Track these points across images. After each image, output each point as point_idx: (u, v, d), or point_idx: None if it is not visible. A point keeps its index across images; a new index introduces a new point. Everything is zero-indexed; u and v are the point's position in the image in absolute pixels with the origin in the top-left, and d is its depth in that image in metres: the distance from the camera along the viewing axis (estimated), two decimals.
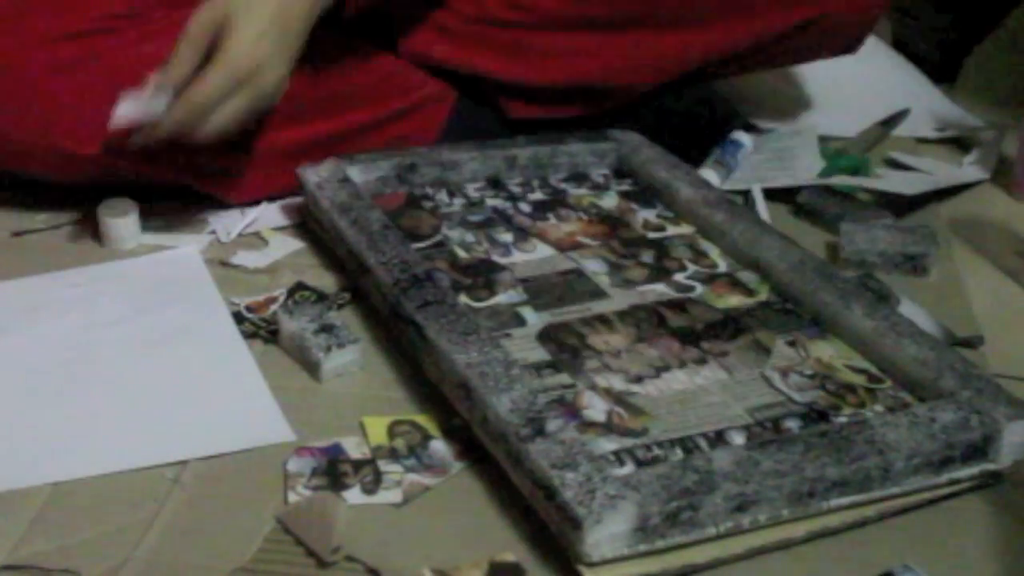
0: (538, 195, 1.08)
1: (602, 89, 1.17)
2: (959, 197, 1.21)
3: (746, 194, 1.17)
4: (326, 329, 0.87)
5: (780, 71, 1.33)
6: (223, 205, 1.08)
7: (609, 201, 1.08)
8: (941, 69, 1.54)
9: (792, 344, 0.87)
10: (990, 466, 0.76)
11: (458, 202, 1.06)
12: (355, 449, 0.78)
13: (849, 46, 1.22)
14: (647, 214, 1.06)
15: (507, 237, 1.01)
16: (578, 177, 1.12)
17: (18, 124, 1.00)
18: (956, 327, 0.95)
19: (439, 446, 0.78)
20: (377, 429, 0.80)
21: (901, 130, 1.35)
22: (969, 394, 0.78)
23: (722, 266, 0.98)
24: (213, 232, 1.05)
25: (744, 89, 1.37)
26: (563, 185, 1.11)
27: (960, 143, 1.36)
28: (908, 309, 0.95)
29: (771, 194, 1.17)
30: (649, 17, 1.11)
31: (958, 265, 1.08)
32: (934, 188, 1.19)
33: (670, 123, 1.25)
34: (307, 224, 1.06)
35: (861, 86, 1.41)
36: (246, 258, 1.01)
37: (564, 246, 1.00)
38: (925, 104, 1.42)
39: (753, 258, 0.97)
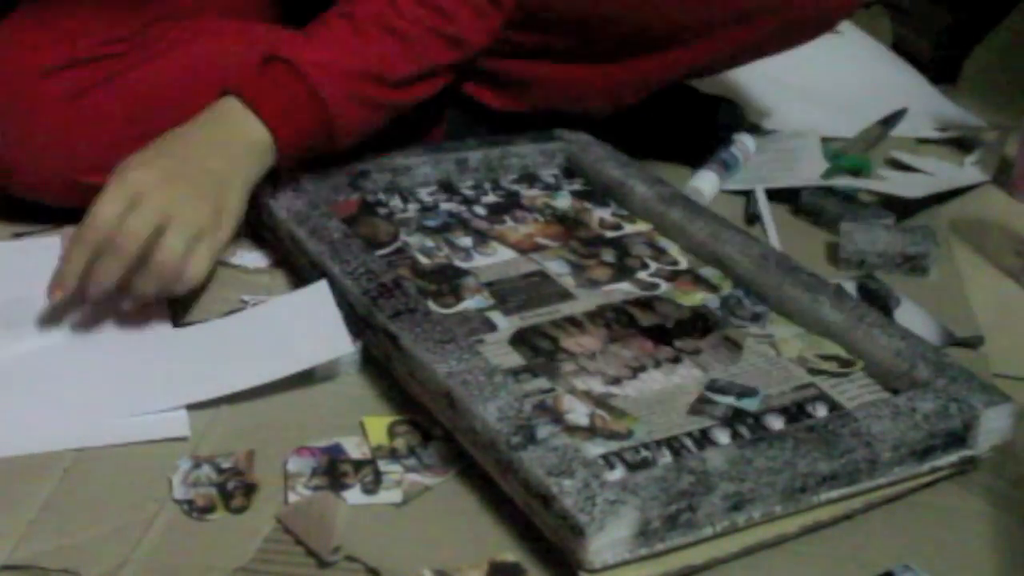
0: (491, 198, 1.08)
1: (578, 113, 1.18)
2: (960, 198, 1.22)
3: (748, 194, 1.17)
4: None
5: (781, 73, 1.34)
6: None
7: (563, 201, 1.08)
8: (941, 69, 1.54)
9: (761, 340, 0.87)
10: (968, 452, 0.77)
11: (412, 207, 1.06)
12: (355, 449, 0.78)
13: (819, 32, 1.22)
14: (602, 213, 1.06)
15: (466, 241, 1.00)
16: (529, 178, 1.12)
17: (33, 157, 1.00)
18: (956, 327, 0.95)
19: (439, 446, 0.78)
20: (377, 429, 0.80)
21: (902, 130, 1.36)
22: (944, 382, 0.79)
23: (683, 263, 0.98)
24: None
25: (747, 91, 1.38)
26: (515, 187, 1.11)
27: (961, 143, 1.36)
28: (908, 309, 0.95)
29: (772, 194, 1.17)
30: (615, 46, 1.11)
31: (958, 265, 1.08)
32: (937, 191, 1.19)
33: (674, 126, 1.25)
34: (259, 233, 1.04)
35: (861, 87, 1.42)
36: (246, 258, 1.01)
37: (524, 248, 1.00)
38: (925, 105, 1.43)
39: (714, 254, 0.97)
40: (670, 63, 1.13)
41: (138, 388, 0.83)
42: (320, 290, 0.89)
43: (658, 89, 1.18)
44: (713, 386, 0.81)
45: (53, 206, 1.04)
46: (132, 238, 0.85)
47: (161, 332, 0.90)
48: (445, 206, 1.06)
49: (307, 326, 0.87)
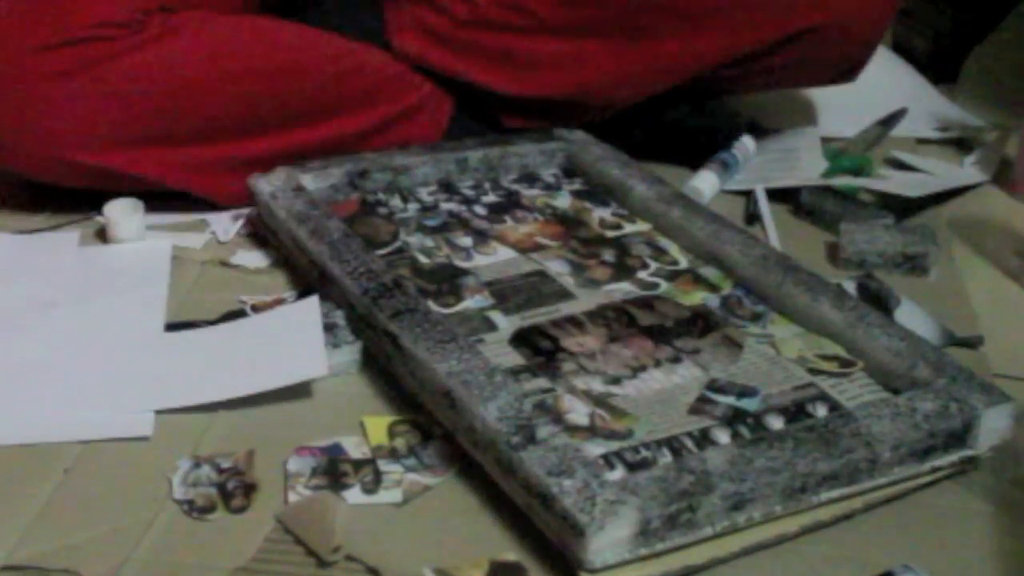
0: (491, 197, 1.08)
1: (589, 102, 1.17)
2: (960, 198, 1.21)
3: (749, 194, 1.17)
4: (327, 329, 0.87)
5: None
6: (220, 207, 1.08)
7: (563, 201, 1.08)
8: (941, 69, 1.54)
9: (761, 340, 0.87)
10: (968, 452, 0.77)
11: (412, 207, 1.06)
12: (355, 449, 0.78)
13: (848, 71, 1.20)
14: (602, 212, 1.06)
15: (466, 241, 1.00)
16: (529, 178, 1.12)
17: (16, 130, 1.00)
18: (956, 327, 0.95)
19: (439, 446, 0.78)
20: (377, 429, 0.80)
21: (902, 130, 1.35)
22: (944, 382, 0.79)
23: (683, 262, 0.98)
24: (213, 233, 1.05)
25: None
26: (515, 186, 1.11)
27: (961, 143, 1.36)
28: (908, 309, 0.95)
29: (773, 194, 1.17)
30: (639, 24, 1.11)
31: (958, 265, 1.08)
32: (937, 191, 1.19)
33: (674, 130, 1.25)
34: (259, 233, 1.04)
35: (861, 87, 1.41)
36: (246, 258, 1.01)
37: (524, 248, 1.00)
38: (925, 105, 1.42)
39: (714, 254, 0.97)
40: (704, 49, 1.12)
41: (112, 388, 0.83)
42: (309, 307, 0.89)
43: (677, 87, 1.16)
44: (713, 386, 0.81)
45: (37, 181, 1.04)
46: None
47: (150, 334, 0.90)
48: (445, 206, 1.06)
49: (287, 344, 0.86)
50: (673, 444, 0.75)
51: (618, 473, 0.72)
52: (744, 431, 0.77)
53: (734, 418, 0.78)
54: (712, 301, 0.92)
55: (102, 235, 1.04)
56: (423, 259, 0.97)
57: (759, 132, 1.31)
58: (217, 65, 1.04)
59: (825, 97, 1.40)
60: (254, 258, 1.01)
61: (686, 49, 1.11)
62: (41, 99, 0.99)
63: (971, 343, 0.94)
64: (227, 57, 1.04)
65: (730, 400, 0.80)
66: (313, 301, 0.90)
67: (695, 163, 1.21)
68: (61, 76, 0.99)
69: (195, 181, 1.06)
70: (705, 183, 1.17)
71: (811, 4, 1.09)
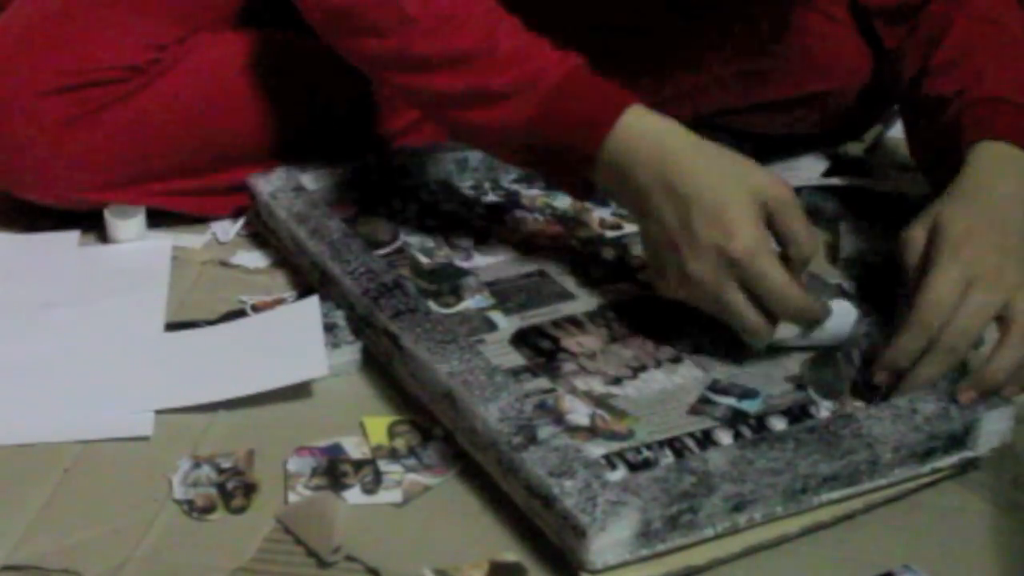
0: (491, 197, 1.08)
1: None
2: None
3: None
4: (327, 329, 0.87)
5: None
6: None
7: (563, 201, 1.08)
8: None
9: None
10: (969, 454, 0.77)
11: (412, 207, 1.06)
12: (355, 449, 0.78)
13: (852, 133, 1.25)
14: (602, 213, 1.06)
15: (466, 241, 1.00)
16: (528, 177, 1.11)
17: (20, 172, 0.99)
18: None
19: (439, 446, 0.78)
20: (377, 429, 0.80)
21: (902, 130, 1.35)
22: (945, 384, 0.79)
23: None
24: (213, 233, 1.05)
25: None
26: (515, 186, 1.10)
27: None
28: None
29: None
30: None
31: None
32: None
33: None
34: (259, 233, 1.04)
35: None
36: (246, 258, 1.01)
37: (524, 248, 1.00)
38: None
39: None
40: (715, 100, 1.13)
41: (112, 388, 0.83)
42: (309, 307, 0.89)
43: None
44: (714, 387, 0.81)
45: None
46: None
47: (150, 334, 0.90)
48: (445, 206, 1.06)
49: (288, 344, 0.86)
50: (675, 445, 0.75)
51: (619, 474, 0.72)
52: (746, 431, 0.77)
53: (735, 418, 0.78)
54: None
55: (102, 235, 1.03)
56: (423, 259, 0.97)
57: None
58: (230, 87, 1.03)
59: None
60: (254, 258, 1.01)
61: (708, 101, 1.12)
62: (48, 144, 0.98)
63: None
64: (239, 77, 1.03)
65: (731, 401, 0.80)
66: (313, 301, 0.90)
67: None
68: (70, 121, 0.98)
69: (207, 205, 1.05)
70: None
71: (821, 71, 1.12)
